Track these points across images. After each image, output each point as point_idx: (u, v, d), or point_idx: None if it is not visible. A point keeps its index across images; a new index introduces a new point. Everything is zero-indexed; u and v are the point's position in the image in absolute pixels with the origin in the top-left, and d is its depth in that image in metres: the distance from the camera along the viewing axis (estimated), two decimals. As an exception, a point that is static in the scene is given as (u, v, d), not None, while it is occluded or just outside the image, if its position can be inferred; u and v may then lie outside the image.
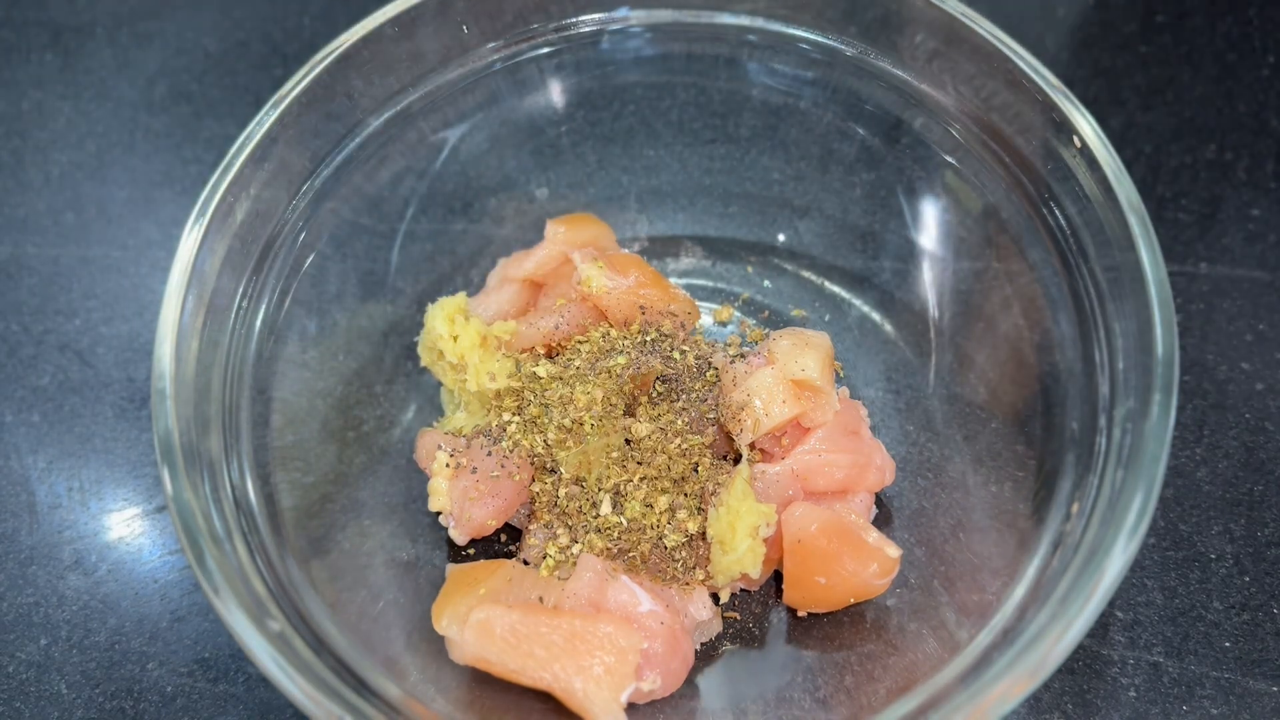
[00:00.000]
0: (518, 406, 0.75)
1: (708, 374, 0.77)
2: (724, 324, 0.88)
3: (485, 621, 0.65)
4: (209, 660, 0.76)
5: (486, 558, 0.76)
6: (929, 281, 0.84)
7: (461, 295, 0.79)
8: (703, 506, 0.72)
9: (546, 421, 0.73)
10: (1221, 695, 0.73)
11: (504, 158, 0.88)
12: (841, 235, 0.89)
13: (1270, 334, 0.88)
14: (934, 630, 0.69)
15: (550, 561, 0.72)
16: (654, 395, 0.76)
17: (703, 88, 0.88)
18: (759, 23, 0.81)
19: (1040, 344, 0.73)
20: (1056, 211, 0.70)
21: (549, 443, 0.72)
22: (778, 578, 0.75)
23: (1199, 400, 0.85)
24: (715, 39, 0.83)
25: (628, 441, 0.73)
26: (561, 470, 0.73)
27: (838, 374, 0.83)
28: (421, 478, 0.79)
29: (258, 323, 0.72)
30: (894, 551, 0.70)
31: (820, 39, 0.80)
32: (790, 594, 0.72)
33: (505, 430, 0.74)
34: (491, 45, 0.81)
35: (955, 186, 0.80)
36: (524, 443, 0.73)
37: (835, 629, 0.73)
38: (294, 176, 0.74)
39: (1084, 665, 0.74)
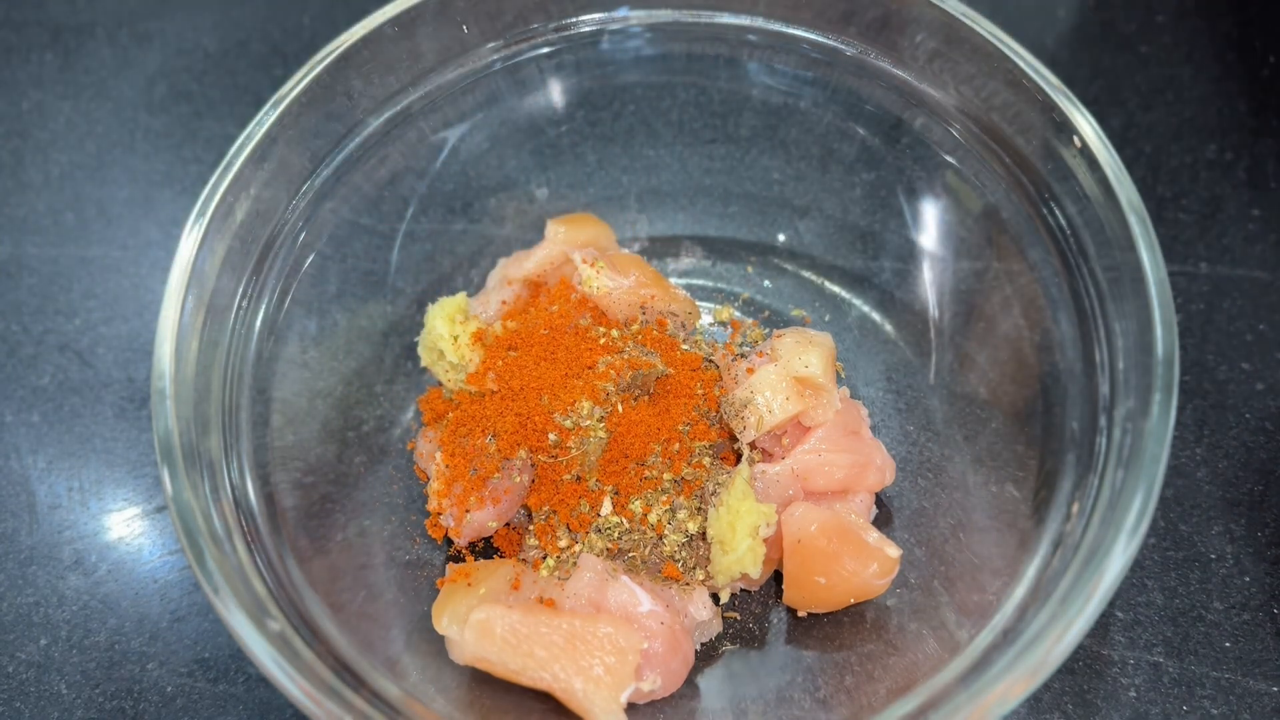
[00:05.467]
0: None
1: (708, 374, 0.77)
2: (724, 324, 0.88)
3: (485, 621, 0.65)
4: (209, 660, 0.76)
5: (486, 558, 0.76)
6: (929, 281, 0.84)
7: (461, 295, 0.80)
8: (703, 506, 0.72)
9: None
10: (1221, 695, 0.73)
11: (504, 158, 0.88)
12: (841, 235, 0.89)
13: (1270, 334, 0.88)
14: (934, 630, 0.69)
15: (550, 561, 0.72)
16: (654, 395, 0.76)
17: (703, 88, 0.88)
18: (759, 23, 0.81)
19: (1040, 344, 0.73)
20: (1056, 211, 0.70)
21: (549, 443, 0.72)
22: (778, 578, 0.75)
23: (1199, 400, 0.85)
24: (715, 39, 0.83)
25: (628, 442, 0.73)
26: (562, 470, 0.73)
27: (838, 374, 0.83)
28: (421, 478, 0.79)
29: (258, 323, 0.72)
30: (894, 551, 0.70)
31: (820, 39, 0.80)
32: (790, 594, 0.72)
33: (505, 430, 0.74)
34: (491, 45, 0.81)
35: (955, 186, 0.80)
36: (524, 443, 0.73)
37: (835, 629, 0.73)
38: (294, 176, 0.74)
39: (1084, 665, 0.74)
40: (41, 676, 0.76)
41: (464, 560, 0.75)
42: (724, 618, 0.74)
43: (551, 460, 0.72)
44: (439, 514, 0.73)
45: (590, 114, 0.89)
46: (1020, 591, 0.63)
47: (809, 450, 0.73)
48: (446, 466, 0.72)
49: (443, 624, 0.67)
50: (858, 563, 0.69)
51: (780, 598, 0.74)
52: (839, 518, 0.71)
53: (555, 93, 0.87)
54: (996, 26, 0.71)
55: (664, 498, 0.72)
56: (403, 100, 0.79)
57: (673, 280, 0.90)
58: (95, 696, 0.75)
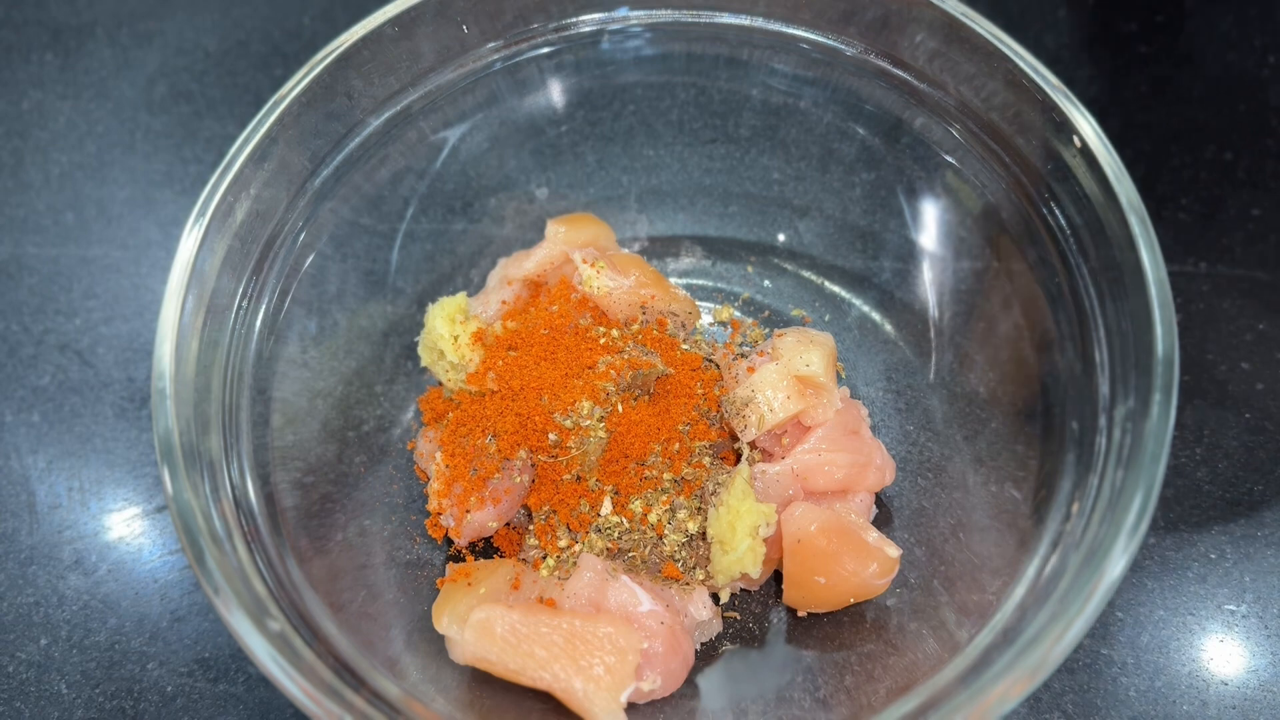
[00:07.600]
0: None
1: (708, 373, 0.77)
2: (724, 324, 0.88)
3: (485, 621, 0.65)
4: (209, 660, 0.76)
5: (486, 558, 0.76)
6: (929, 281, 0.84)
7: (461, 295, 0.80)
8: (703, 506, 0.72)
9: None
10: (1221, 697, 0.73)
11: (504, 158, 0.88)
12: (841, 235, 0.89)
13: (1270, 334, 0.88)
14: (934, 630, 0.69)
15: (550, 561, 0.72)
16: (654, 395, 0.76)
17: (703, 88, 0.88)
18: (759, 23, 0.81)
19: (1040, 344, 0.73)
20: (1056, 211, 0.70)
21: (549, 443, 0.72)
22: (778, 578, 0.75)
23: (1199, 400, 0.85)
24: (715, 39, 0.83)
25: (628, 442, 0.73)
26: (562, 470, 0.73)
27: (839, 374, 0.83)
28: (421, 478, 0.79)
29: (258, 323, 0.72)
30: (894, 551, 0.70)
31: (820, 39, 0.80)
32: (790, 594, 0.72)
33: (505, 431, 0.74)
34: (491, 45, 0.81)
35: (955, 186, 0.80)
36: (524, 443, 0.73)
37: (835, 629, 0.73)
38: (294, 176, 0.74)
39: (1084, 665, 0.74)
40: (42, 676, 0.76)
41: (464, 560, 0.75)
42: (724, 618, 0.74)
43: (551, 460, 0.72)
44: (439, 514, 0.73)
45: (590, 114, 0.89)
46: (1020, 591, 0.63)
47: (809, 450, 0.73)
48: (446, 466, 0.72)
49: (443, 624, 0.67)
50: (858, 562, 0.69)
51: (780, 598, 0.74)
52: (839, 518, 0.71)
53: (555, 93, 0.87)
54: (996, 26, 0.71)
55: (664, 498, 0.72)
56: (403, 100, 0.79)
57: (673, 280, 0.90)
58: (95, 696, 0.75)
